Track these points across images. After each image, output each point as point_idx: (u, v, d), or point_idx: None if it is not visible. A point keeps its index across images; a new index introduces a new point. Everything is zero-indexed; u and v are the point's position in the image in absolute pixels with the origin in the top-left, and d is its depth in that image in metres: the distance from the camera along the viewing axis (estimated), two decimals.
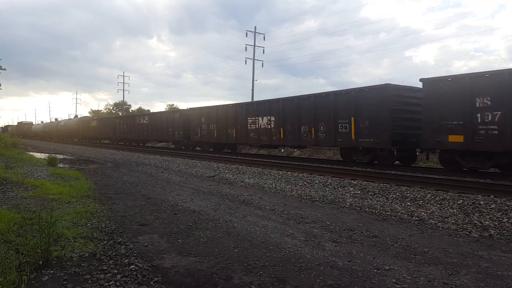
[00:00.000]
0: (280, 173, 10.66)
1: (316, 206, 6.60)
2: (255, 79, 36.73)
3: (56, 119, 63.65)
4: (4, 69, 23.02)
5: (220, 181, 10.00)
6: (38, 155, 19.19)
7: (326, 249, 4.04)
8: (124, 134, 31.60)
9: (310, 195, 7.58)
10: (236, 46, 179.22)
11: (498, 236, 4.72)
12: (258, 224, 5.15)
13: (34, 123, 75.66)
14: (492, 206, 5.98)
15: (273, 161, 14.12)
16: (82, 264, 3.33)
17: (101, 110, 74.04)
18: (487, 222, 5.27)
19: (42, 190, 7.04)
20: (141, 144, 30.36)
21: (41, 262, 3.23)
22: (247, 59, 37.19)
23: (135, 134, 29.70)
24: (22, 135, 57.78)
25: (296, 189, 8.38)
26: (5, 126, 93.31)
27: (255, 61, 37.08)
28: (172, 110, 31.93)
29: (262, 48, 37.61)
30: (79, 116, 53.40)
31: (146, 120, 27.83)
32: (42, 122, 71.11)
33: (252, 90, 35.95)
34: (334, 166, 12.04)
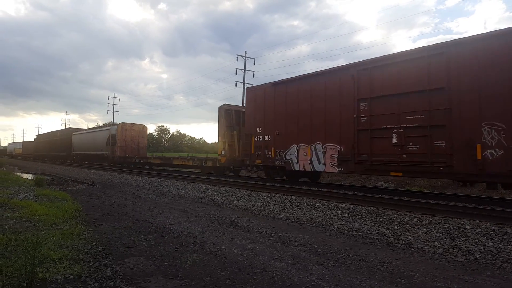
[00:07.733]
0: (269, 195, 10.67)
1: (304, 229, 6.61)
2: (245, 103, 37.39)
3: None
4: None
5: (208, 203, 9.95)
6: (25, 175, 18.86)
7: (313, 273, 4.05)
8: None
9: (298, 218, 7.60)
10: (228, 69, 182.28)
11: (483, 260, 4.79)
12: (246, 247, 5.14)
13: None
14: (477, 230, 6.08)
15: (262, 183, 14.12)
16: (67, 287, 3.28)
17: None
18: (472, 247, 5.35)
19: (28, 211, 6.93)
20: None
21: (25, 284, 3.17)
22: (237, 82, 38.26)
23: None
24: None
25: (284, 211, 8.39)
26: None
27: (246, 84, 37.95)
28: None
29: (252, 72, 38.76)
30: None
31: None
32: None
33: None
34: (322, 189, 12.11)
